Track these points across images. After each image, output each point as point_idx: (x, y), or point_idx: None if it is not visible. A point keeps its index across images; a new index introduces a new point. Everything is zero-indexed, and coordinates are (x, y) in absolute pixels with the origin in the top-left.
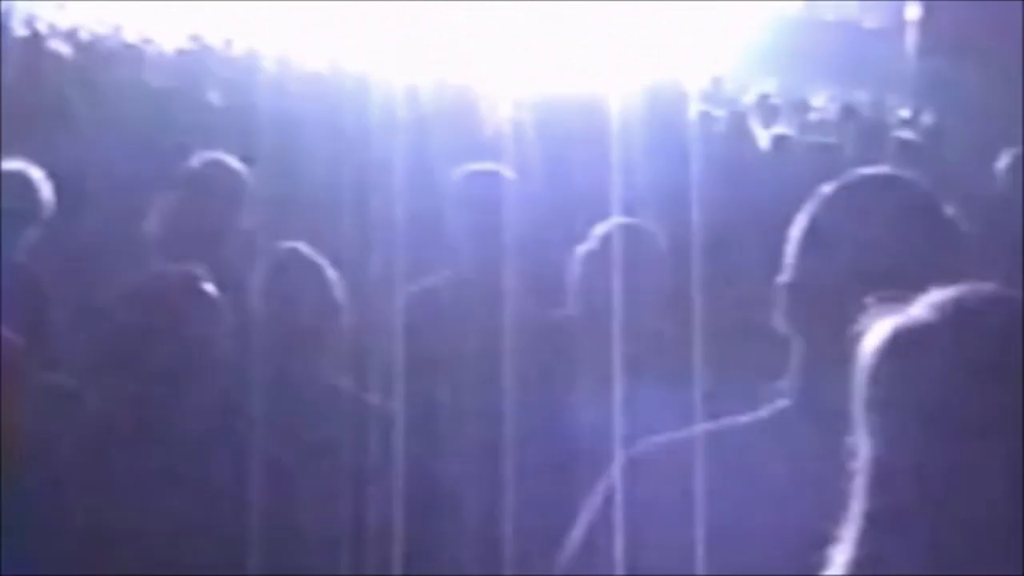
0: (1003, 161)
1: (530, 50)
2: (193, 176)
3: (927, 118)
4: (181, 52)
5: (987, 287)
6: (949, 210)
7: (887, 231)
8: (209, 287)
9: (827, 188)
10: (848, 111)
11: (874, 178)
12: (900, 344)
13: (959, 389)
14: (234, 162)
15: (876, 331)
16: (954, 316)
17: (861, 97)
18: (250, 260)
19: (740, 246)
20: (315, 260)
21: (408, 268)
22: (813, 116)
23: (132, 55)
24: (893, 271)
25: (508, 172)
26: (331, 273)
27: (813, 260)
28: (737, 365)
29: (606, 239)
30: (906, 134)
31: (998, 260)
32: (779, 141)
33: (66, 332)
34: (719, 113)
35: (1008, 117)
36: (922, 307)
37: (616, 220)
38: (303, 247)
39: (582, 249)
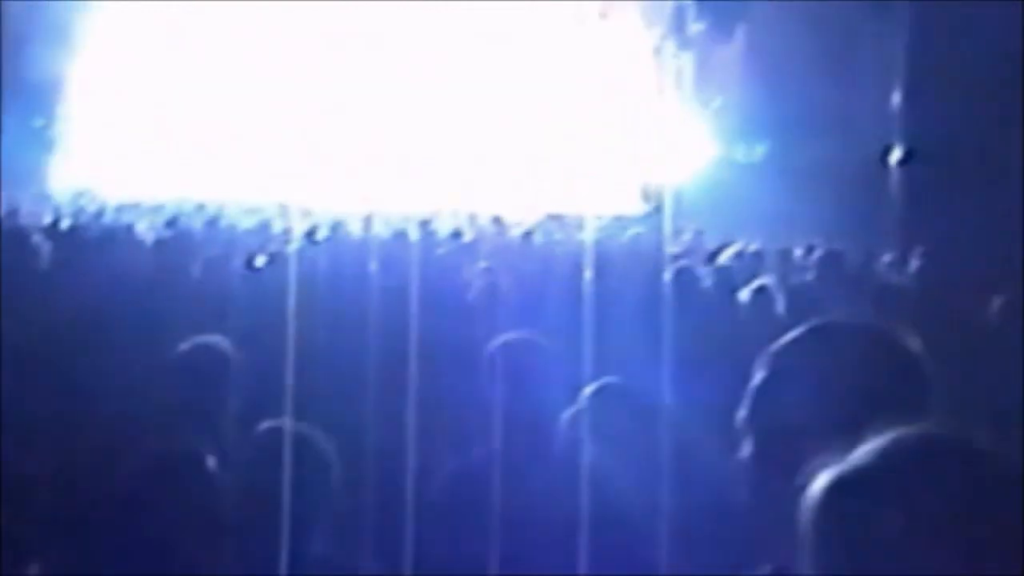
0: (995, 305)
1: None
2: (183, 360)
3: (914, 262)
4: (160, 241)
5: (921, 431)
6: (917, 355)
7: (843, 378)
8: (211, 462)
9: (785, 338)
10: (831, 257)
11: (834, 325)
12: (836, 491)
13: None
14: (223, 343)
15: (818, 480)
16: (882, 463)
17: (844, 242)
18: (243, 439)
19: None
20: (304, 434)
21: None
22: (795, 264)
23: (113, 241)
24: (850, 417)
25: (543, 338)
26: (325, 449)
27: (767, 420)
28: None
29: (592, 399)
30: (892, 278)
31: (978, 403)
32: (759, 293)
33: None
34: (701, 269)
35: (1001, 258)
36: (857, 456)
37: (602, 380)
38: (289, 421)
39: (569, 412)
